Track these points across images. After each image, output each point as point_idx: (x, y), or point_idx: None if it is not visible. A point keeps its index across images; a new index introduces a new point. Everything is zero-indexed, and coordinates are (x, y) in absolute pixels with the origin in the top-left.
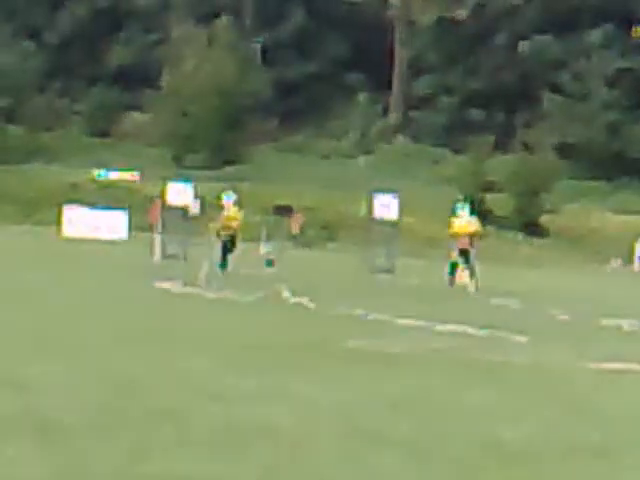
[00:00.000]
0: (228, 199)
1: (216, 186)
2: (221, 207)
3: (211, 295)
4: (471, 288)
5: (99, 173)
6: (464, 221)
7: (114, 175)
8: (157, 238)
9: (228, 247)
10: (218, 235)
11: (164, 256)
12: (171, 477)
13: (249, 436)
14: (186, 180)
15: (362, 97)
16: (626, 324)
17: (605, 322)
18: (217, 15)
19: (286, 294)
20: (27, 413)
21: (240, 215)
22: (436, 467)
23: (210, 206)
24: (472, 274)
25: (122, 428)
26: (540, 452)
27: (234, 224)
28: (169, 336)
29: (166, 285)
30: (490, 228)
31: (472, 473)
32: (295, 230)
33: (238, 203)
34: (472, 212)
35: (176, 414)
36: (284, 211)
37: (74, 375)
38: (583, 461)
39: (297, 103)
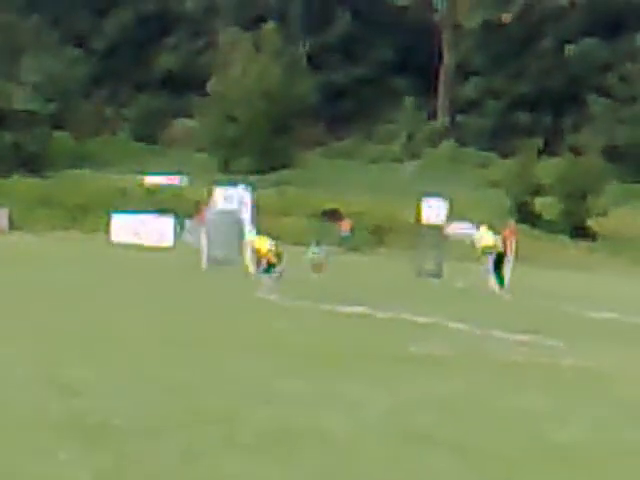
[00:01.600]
0: None
1: (263, 191)
2: None
3: (264, 298)
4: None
5: (146, 172)
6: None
7: (160, 180)
8: (204, 243)
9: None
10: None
11: (211, 261)
12: (219, 477)
13: (299, 439)
14: (238, 183)
15: (408, 101)
16: None
17: None
18: (263, 20)
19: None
20: (75, 417)
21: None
22: (486, 468)
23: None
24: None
25: (171, 430)
26: (589, 453)
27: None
28: (218, 340)
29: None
30: (538, 231)
31: (522, 474)
32: (344, 234)
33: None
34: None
35: (225, 417)
36: (332, 216)
37: (122, 378)
38: (633, 462)
39: (344, 107)
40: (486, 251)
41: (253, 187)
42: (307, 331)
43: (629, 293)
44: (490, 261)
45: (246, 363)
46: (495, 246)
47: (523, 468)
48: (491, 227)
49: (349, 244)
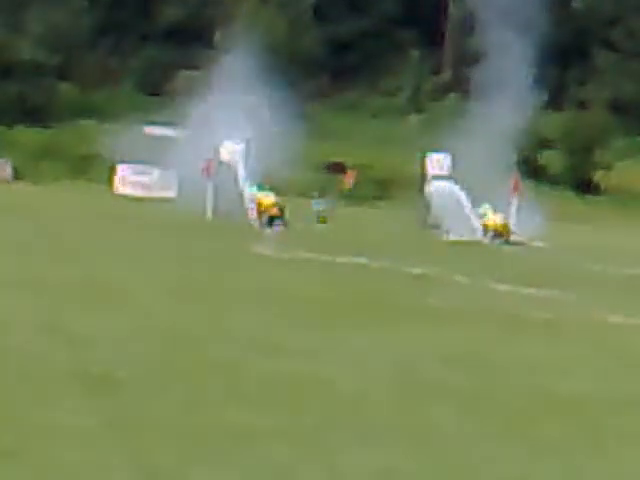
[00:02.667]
0: None
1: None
2: None
3: (266, 252)
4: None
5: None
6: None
7: (162, 130)
8: (209, 195)
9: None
10: None
11: (216, 213)
12: (223, 429)
13: (303, 389)
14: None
15: (414, 54)
16: None
17: None
18: None
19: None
20: (80, 366)
21: None
22: (490, 418)
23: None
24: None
25: (174, 381)
26: (592, 404)
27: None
28: (221, 292)
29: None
30: (543, 185)
31: (525, 424)
32: (348, 186)
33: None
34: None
35: (227, 367)
36: (337, 168)
37: (125, 329)
38: (634, 413)
39: (349, 60)
40: (486, 231)
41: (248, 141)
42: (309, 283)
43: (634, 247)
44: (487, 238)
45: (249, 315)
46: (494, 227)
47: (526, 419)
48: (494, 207)
49: (353, 197)
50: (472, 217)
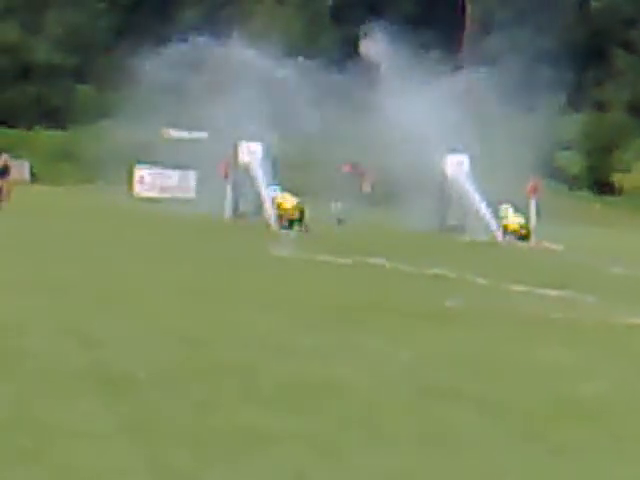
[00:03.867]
0: None
1: (285, 145)
2: None
3: (284, 254)
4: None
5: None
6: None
7: (183, 133)
8: (228, 196)
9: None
10: None
11: (235, 214)
12: (238, 431)
13: (317, 392)
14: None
15: (432, 55)
16: None
17: None
18: None
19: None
20: (95, 367)
21: None
22: (509, 422)
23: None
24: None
25: (189, 382)
26: (614, 408)
27: None
28: (237, 293)
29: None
30: (561, 186)
31: (545, 429)
32: (366, 189)
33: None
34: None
35: (242, 369)
36: (355, 170)
37: (142, 330)
38: None
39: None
40: (506, 232)
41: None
42: (326, 285)
43: None
44: (507, 239)
45: (264, 316)
46: (513, 229)
47: (544, 423)
48: (515, 207)
49: (371, 199)
50: (488, 217)
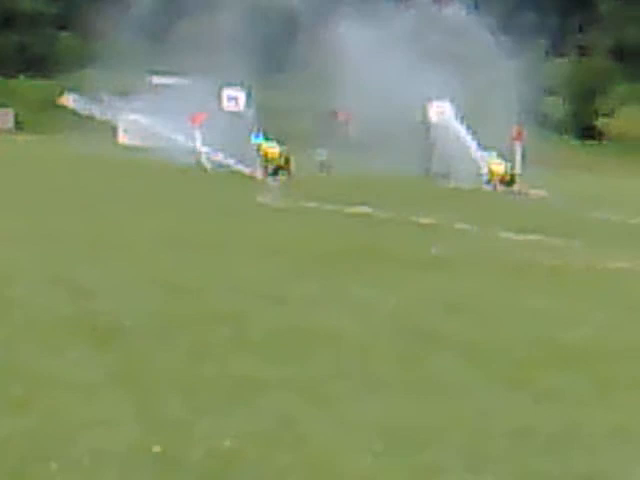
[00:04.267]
0: None
1: (270, 93)
2: None
3: (270, 202)
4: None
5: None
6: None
7: (167, 80)
8: (199, 143)
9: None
10: None
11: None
12: (228, 379)
13: (307, 339)
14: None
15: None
16: None
17: None
18: None
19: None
20: (84, 316)
21: None
22: (494, 367)
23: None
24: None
25: (179, 330)
26: (598, 352)
27: None
28: (225, 242)
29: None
30: (546, 132)
31: (531, 373)
32: (352, 133)
33: None
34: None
35: (233, 318)
36: (336, 116)
37: (131, 279)
38: (637, 360)
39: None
40: (490, 178)
41: (250, 90)
42: (313, 233)
43: (636, 194)
44: (490, 186)
45: (253, 264)
46: (500, 174)
47: (530, 367)
48: (500, 154)
49: (356, 145)
50: (479, 161)
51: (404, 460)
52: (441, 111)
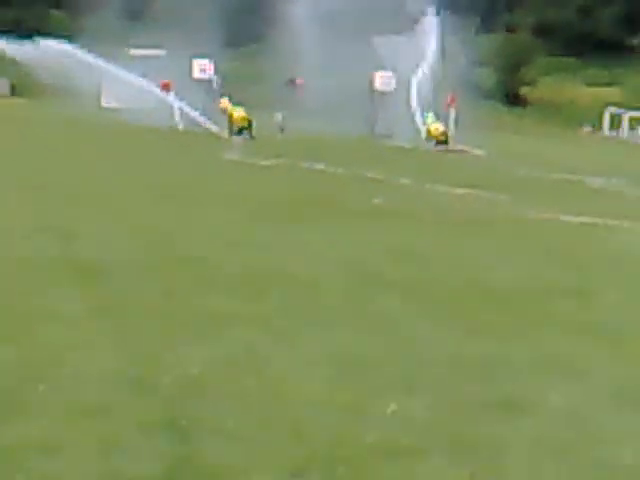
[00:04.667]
0: None
1: (234, 63)
2: None
3: (235, 158)
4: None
5: None
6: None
7: (145, 52)
8: (175, 108)
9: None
10: None
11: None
12: (195, 313)
13: (266, 280)
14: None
15: None
16: (596, 182)
17: (578, 180)
18: None
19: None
20: (70, 258)
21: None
22: (431, 304)
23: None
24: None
25: (152, 271)
26: (523, 293)
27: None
28: (194, 193)
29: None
30: (477, 99)
31: (462, 310)
32: (302, 98)
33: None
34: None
35: (197, 260)
36: (294, 83)
37: (110, 225)
38: (562, 300)
39: None
40: (428, 138)
41: (216, 60)
42: (272, 186)
43: (554, 153)
44: (429, 144)
45: (219, 214)
46: (435, 135)
47: (461, 305)
48: (437, 115)
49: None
50: (420, 124)
51: (350, 385)
52: (384, 80)
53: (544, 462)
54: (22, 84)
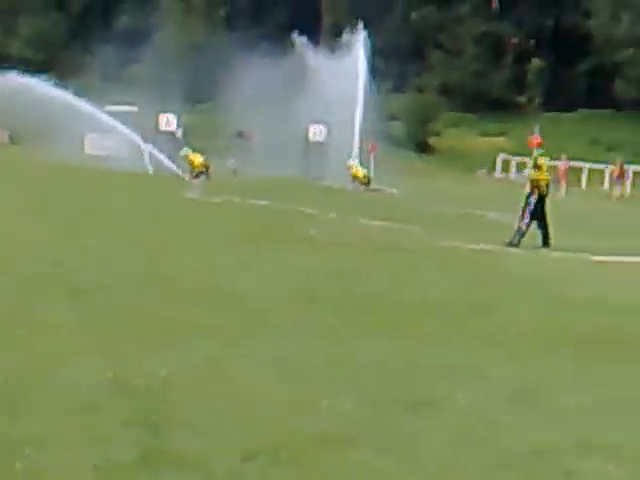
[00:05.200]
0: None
1: (195, 117)
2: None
3: (194, 196)
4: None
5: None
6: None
7: (120, 108)
8: (145, 156)
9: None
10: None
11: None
12: (166, 324)
13: (224, 297)
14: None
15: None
16: (491, 215)
17: (477, 214)
18: None
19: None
20: (60, 275)
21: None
22: (359, 318)
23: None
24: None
25: (134, 286)
26: (440, 307)
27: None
28: (162, 223)
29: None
30: (391, 147)
31: (389, 323)
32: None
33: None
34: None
35: (167, 278)
36: (242, 134)
37: (106, 246)
38: (471, 313)
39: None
40: (352, 180)
41: (179, 115)
42: (225, 218)
43: (458, 192)
44: (353, 185)
45: (181, 239)
46: (360, 177)
47: (384, 317)
48: (360, 161)
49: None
50: (347, 169)
51: (296, 387)
52: (317, 131)
53: (456, 452)
54: (19, 135)
